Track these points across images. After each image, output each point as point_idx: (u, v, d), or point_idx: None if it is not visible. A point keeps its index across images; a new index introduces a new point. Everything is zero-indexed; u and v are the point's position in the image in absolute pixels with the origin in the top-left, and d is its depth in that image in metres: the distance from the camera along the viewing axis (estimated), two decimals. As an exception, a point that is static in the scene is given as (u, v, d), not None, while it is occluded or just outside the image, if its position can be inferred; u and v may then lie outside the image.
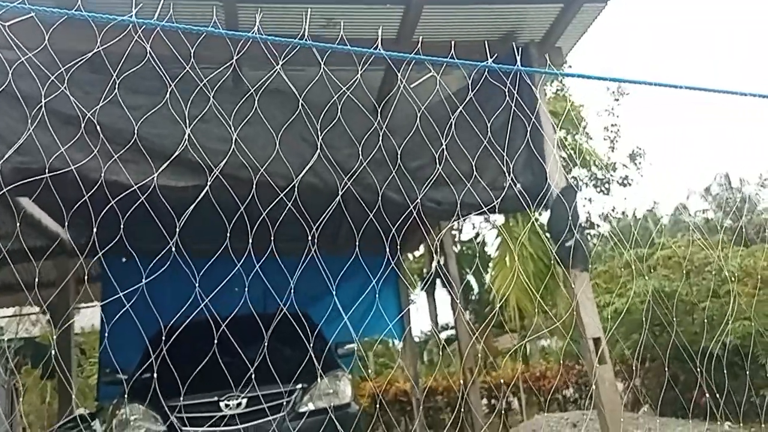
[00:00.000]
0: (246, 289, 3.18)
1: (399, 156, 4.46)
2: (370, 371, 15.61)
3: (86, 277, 5.60)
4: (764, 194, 25.77)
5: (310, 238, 3.30)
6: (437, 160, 4.81)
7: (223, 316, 3.38)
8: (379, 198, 4.21)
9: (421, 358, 16.19)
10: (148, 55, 3.25)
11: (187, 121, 4.09)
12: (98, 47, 3.09)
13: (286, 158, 4.49)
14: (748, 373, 6.96)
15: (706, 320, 7.69)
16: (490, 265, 14.55)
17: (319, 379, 4.95)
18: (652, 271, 9.10)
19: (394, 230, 3.76)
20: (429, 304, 9.37)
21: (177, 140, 4.08)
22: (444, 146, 4.57)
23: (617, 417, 4.09)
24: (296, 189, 3.98)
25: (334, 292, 3.60)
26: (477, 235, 16.41)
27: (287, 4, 4.31)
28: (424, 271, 11.56)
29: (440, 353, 15.36)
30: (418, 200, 4.21)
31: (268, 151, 4.47)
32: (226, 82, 4.99)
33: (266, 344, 3.30)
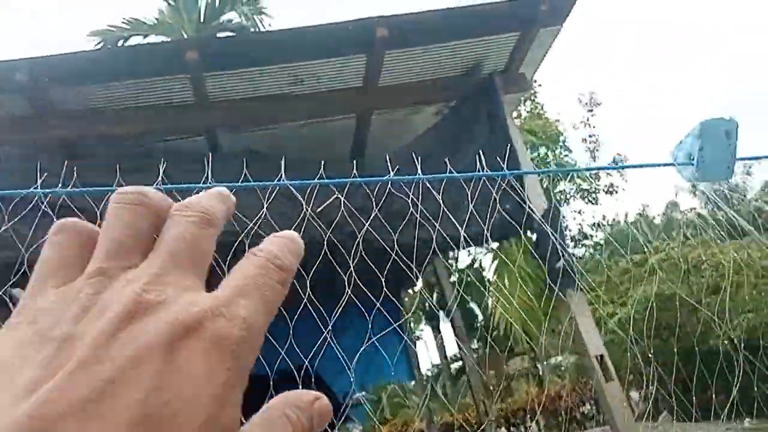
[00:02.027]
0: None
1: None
2: (386, 414, 15.39)
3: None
4: (750, 182, 25.99)
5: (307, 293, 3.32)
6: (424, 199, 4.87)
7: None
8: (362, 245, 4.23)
9: (434, 393, 16.00)
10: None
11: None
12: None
13: (272, 218, 4.54)
14: (757, 366, 6.92)
15: (712, 317, 7.67)
16: (491, 289, 14.53)
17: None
18: (649, 275, 9.12)
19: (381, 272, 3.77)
20: (435, 337, 9.35)
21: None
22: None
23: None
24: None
25: (335, 343, 3.60)
26: (473, 261, 16.41)
27: (252, 68, 4.39)
28: (427, 305, 11.53)
29: (452, 386, 15.18)
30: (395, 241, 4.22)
31: (254, 213, 4.52)
32: (202, 150, 5.07)
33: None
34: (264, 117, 4.84)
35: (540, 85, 15.20)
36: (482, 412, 7.19)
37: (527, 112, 15.17)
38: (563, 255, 4.33)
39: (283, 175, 4.53)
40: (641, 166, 2.53)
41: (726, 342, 9.21)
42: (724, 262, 7.79)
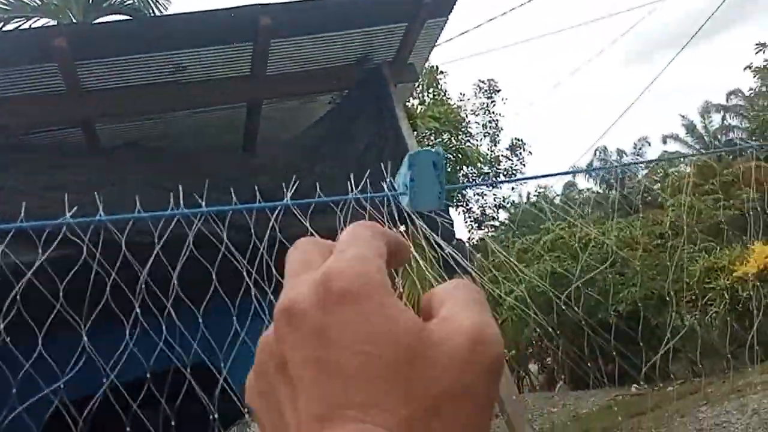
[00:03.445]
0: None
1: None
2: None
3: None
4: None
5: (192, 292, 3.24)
6: (314, 187, 4.85)
7: (124, 381, 3.26)
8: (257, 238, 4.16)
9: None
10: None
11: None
12: None
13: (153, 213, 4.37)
14: (639, 335, 7.42)
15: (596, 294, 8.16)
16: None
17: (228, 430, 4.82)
18: (544, 254, 9.56)
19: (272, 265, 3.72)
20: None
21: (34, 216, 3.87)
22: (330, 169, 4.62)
23: (519, 409, 4.26)
24: (167, 243, 3.87)
25: (229, 337, 3.54)
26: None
27: (129, 56, 4.19)
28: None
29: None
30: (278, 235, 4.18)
31: (132, 210, 4.33)
32: (79, 143, 4.81)
33: (166, 403, 3.21)
34: (145, 107, 4.64)
35: (442, 72, 15.51)
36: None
37: (431, 98, 15.43)
38: (451, 241, 4.45)
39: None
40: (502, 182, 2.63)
41: (613, 314, 9.84)
42: (607, 241, 8.29)
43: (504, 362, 0.30)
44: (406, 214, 4.81)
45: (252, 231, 4.04)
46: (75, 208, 4.18)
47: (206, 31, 4.21)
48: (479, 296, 0.32)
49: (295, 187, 4.97)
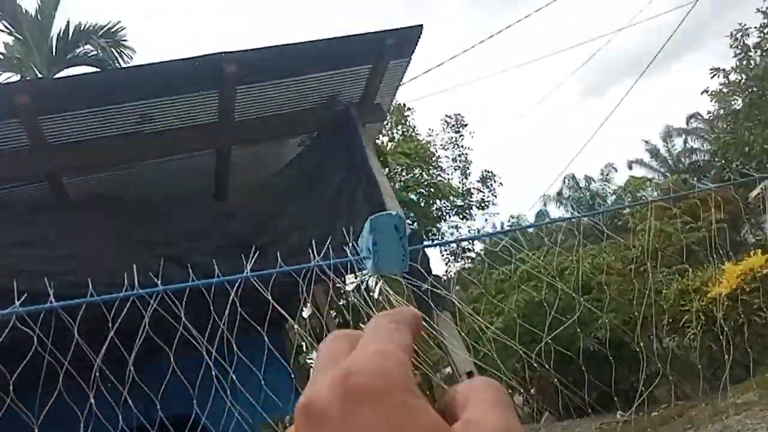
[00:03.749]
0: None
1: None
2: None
3: None
4: (610, 187, 28.19)
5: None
6: (284, 233, 4.82)
7: None
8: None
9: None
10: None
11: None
12: None
13: (127, 265, 4.28)
14: (615, 362, 7.43)
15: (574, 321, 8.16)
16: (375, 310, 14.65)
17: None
18: (520, 284, 9.58)
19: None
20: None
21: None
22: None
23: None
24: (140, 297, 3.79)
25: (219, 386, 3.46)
26: (360, 284, 16.49)
27: (93, 108, 4.17)
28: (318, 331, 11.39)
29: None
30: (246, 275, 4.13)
31: (104, 264, 4.25)
32: (47, 198, 4.72)
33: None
34: (113, 158, 4.60)
35: (410, 109, 15.73)
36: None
37: (400, 135, 15.60)
38: (428, 278, 4.43)
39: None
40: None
41: (594, 341, 9.86)
42: (584, 268, 8.36)
43: None
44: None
45: (211, 303, 3.92)
46: (31, 269, 4.08)
47: (171, 81, 4.21)
48: (504, 397, 0.31)
49: (267, 233, 4.95)
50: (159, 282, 3.09)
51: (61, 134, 4.31)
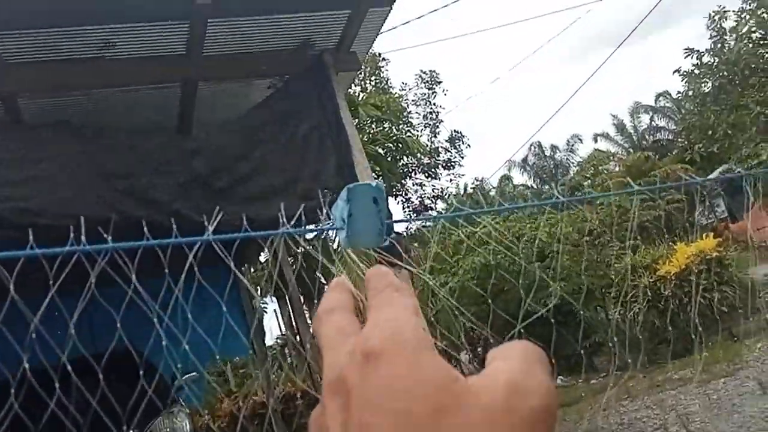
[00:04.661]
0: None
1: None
2: (231, 386, 15.12)
3: None
4: (574, 158, 28.56)
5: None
6: (250, 175, 4.72)
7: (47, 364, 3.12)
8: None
9: (280, 366, 15.99)
10: None
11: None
12: None
13: (82, 195, 4.14)
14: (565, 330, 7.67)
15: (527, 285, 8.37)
16: (336, 260, 14.70)
17: (153, 420, 4.68)
18: (478, 246, 9.70)
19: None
20: (281, 308, 9.36)
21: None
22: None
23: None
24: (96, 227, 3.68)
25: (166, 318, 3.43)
26: (320, 233, 16.47)
27: (55, 28, 3.95)
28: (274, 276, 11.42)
29: (289, 358, 15.28)
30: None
31: (60, 192, 4.10)
32: (1, 118, 4.52)
33: (86, 390, 3.06)
34: (72, 82, 4.40)
35: (385, 60, 15.47)
36: (318, 383, 7.30)
37: (373, 86, 15.36)
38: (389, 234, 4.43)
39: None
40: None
41: (541, 308, 10.12)
42: (540, 235, 8.51)
43: (555, 414, 0.30)
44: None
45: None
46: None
47: (138, 7, 4.01)
48: (531, 353, 0.32)
49: (230, 174, 4.85)
50: (111, 227, 3.01)
51: (18, 52, 4.09)
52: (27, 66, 4.19)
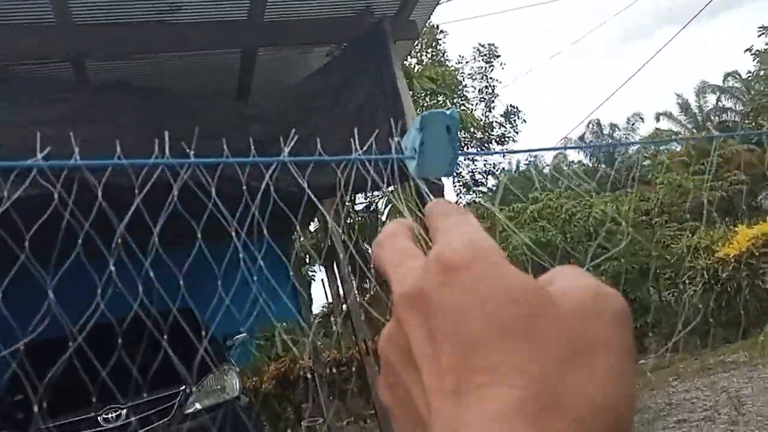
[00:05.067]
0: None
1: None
2: (278, 351, 15.53)
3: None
4: (634, 137, 27.71)
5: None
6: (309, 142, 4.78)
7: (103, 321, 3.26)
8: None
9: (326, 332, 16.29)
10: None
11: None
12: None
13: (143, 156, 4.28)
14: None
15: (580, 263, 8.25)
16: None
17: (204, 378, 4.86)
18: (529, 222, 9.60)
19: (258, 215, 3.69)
20: (329, 277, 9.51)
21: (16, 149, 3.79)
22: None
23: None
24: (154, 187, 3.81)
25: (220, 282, 3.54)
26: (370, 204, 16.58)
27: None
28: (323, 246, 11.59)
29: (336, 326, 15.51)
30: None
31: (123, 151, 4.24)
32: (68, 79, 4.69)
33: (146, 347, 3.20)
34: (138, 45, 4.51)
35: (443, 32, 15.26)
36: (363, 350, 7.41)
37: (429, 58, 15.20)
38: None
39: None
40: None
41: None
42: (595, 214, 8.34)
43: (630, 314, 0.30)
44: (407, 175, 4.76)
45: (244, 184, 3.98)
46: (50, 147, 4.09)
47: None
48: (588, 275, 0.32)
49: (290, 140, 4.92)
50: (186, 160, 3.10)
51: (87, 14, 4.22)
52: (95, 27, 4.32)
